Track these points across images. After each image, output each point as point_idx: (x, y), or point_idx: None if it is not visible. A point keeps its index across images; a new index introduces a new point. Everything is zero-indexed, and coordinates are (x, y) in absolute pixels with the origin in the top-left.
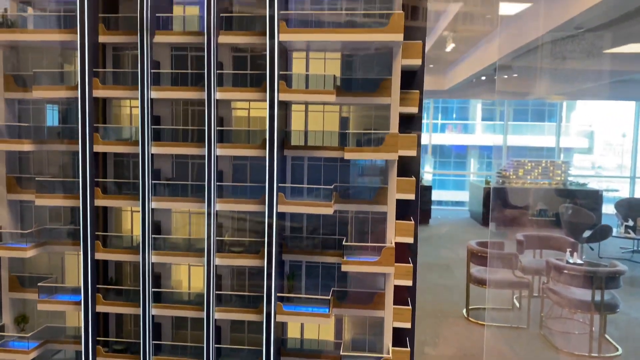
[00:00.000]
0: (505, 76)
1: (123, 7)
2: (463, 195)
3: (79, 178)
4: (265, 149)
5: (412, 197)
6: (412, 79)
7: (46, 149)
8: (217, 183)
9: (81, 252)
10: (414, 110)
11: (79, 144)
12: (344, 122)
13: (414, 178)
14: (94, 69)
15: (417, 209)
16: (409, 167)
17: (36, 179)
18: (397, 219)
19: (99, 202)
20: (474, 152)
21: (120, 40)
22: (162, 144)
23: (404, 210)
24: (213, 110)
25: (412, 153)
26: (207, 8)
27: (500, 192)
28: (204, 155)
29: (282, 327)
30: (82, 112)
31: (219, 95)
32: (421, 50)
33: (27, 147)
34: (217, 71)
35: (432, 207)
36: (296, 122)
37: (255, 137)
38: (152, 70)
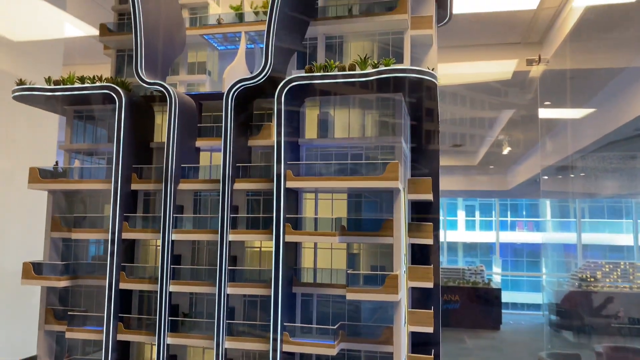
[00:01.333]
0: (572, 175)
1: (156, 157)
2: (537, 297)
3: (104, 313)
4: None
5: (430, 329)
6: (428, 208)
7: (80, 283)
8: (228, 320)
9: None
10: (428, 241)
11: (106, 280)
12: (352, 258)
13: (431, 311)
14: (125, 214)
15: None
16: (428, 295)
17: (69, 313)
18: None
19: (121, 337)
20: (546, 251)
21: (149, 187)
22: (179, 282)
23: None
24: (225, 251)
25: (428, 284)
26: (223, 159)
27: (577, 296)
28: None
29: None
30: (110, 253)
31: (231, 237)
32: (430, 185)
33: (63, 283)
34: (231, 215)
35: (504, 311)
36: (309, 258)
37: (266, 274)
38: (174, 215)
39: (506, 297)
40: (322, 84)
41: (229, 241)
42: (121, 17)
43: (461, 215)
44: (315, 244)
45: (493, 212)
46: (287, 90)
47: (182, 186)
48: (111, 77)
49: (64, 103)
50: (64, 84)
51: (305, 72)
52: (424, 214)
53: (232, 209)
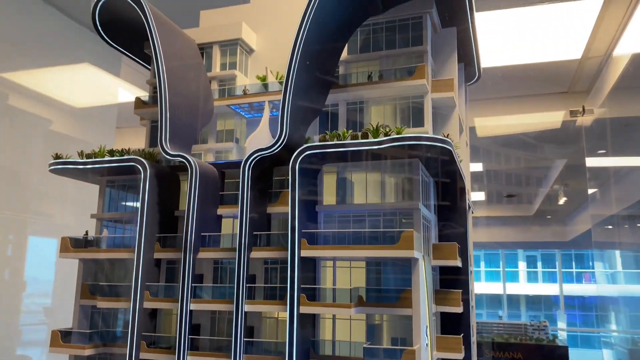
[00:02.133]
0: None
1: (181, 225)
2: (608, 355)
3: None
4: None
5: None
6: (456, 274)
7: (106, 351)
8: None
9: None
10: (457, 309)
11: (127, 350)
12: (372, 329)
13: None
14: (147, 283)
15: None
16: None
17: None
18: None
19: None
20: (617, 305)
21: (172, 256)
22: (196, 353)
23: None
24: (240, 322)
25: (457, 356)
26: (239, 227)
27: None
28: None
29: None
30: (132, 322)
31: (247, 307)
32: (456, 251)
33: (88, 351)
34: (248, 285)
35: None
36: (329, 328)
37: (283, 345)
38: (193, 284)
39: (574, 355)
40: (336, 152)
41: (245, 312)
42: (155, 90)
43: (522, 266)
44: (334, 314)
45: (556, 263)
46: (303, 157)
47: (202, 255)
48: (139, 149)
49: (96, 174)
50: (95, 157)
51: (320, 141)
52: (455, 274)
53: (248, 279)
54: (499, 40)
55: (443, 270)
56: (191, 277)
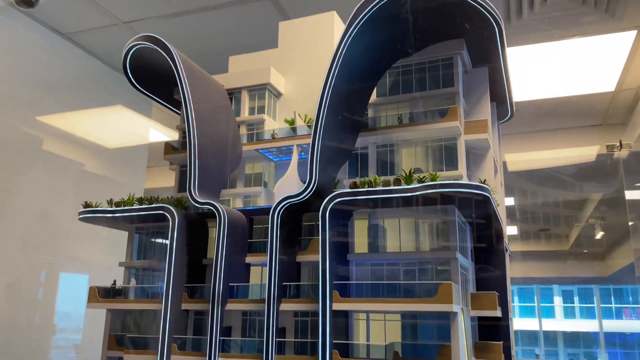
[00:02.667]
0: None
1: (209, 275)
2: None
3: None
4: None
5: None
6: (496, 321)
7: None
8: None
9: None
10: None
11: None
12: None
13: None
14: (175, 336)
15: None
16: None
17: None
18: None
19: None
20: None
21: (199, 307)
22: None
23: None
24: None
25: None
26: (268, 278)
27: None
28: None
29: None
30: None
31: None
32: (495, 300)
33: None
34: (277, 338)
35: None
36: None
37: None
38: (221, 338)
39: None
40: (366, 200)
41: None
42: (184, 135)
43: (558, 302)
44: None
45: (594, 298)
46: (333, 205)
47: (230, 306)
48: (167, 197)
49: (126, 222)
50: (124, 205)
51: (350, 187)
52: (495, 321)
53: (278, 332)
54: (530, 74)
55: (481, 318)
56: (219, 330)
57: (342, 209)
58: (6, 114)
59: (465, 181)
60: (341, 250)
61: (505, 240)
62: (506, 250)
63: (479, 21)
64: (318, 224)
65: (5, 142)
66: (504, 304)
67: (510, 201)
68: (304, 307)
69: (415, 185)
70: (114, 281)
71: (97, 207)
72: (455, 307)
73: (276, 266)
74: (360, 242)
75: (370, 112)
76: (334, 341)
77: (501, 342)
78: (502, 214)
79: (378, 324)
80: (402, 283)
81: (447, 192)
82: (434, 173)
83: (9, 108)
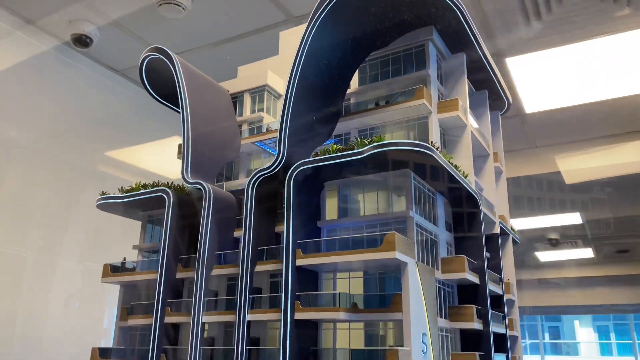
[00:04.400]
0: None
1: None
2: None
3: None
4: None
5: None
6: (474, 291)
7: None
8: None
9: None
10: (469, 325)
11: None
12: (370, 338)
13: None
14: (170, 300)
15: None
16: None
17: None
18: None
19: None
20: None
21: (190, 275)
22: None
23: None
24: (243, 332)
25: None
26: (243, 243)
27: None
28: None
29: None
30: (153, 337)
31: (250, 317)
32: (464, 263)
33: None
34: (250, 295)
35: None
36: (329, 339)
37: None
38: (205, 299)
39: None
40: (325, 166)
41: (248, 321)
42: None
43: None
44: (335, 324)
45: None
46: (297, 173)
47: (215, 272)
48: (167, 182)
49: (137, 209)
50: (132, 192)
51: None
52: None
53: (253, 291)
54: (574, 77)
55: (463, 289)
56: (204, 293)
57: (310, 182)
58: (69, 146)
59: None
60: (313, 220)
61: (508, 226)
62: (501, 235)
63: (441, 8)
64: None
65: (70, 175)
66: (482, 274)
67: (576, 218)
68: (276, 267)
69: (363, 148)
70: (124, 258)
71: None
72: (403, 257)
73: (250, 232)
74: (331, 212)
75: (352, 100)
76: (296, 293)
77: (473, 306)
78: (502, 199)
79: (344, 283)
80: (352, 237)
81: (389, 150)
82: (379, 136)
83: (71, 142)
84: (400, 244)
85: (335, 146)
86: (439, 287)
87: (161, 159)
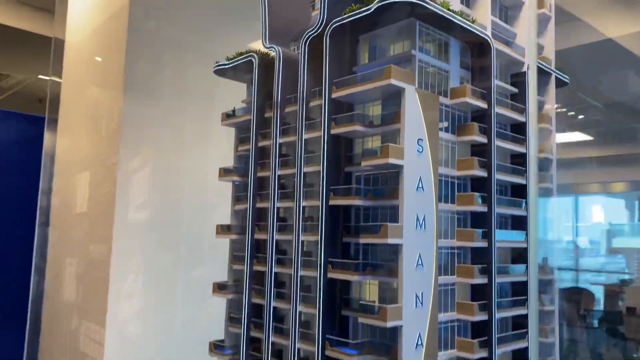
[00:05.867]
0: None
1: None
2: None
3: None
4: None
5: None
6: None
7: None
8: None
9: None
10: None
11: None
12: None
13: None
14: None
15: None
16: None
17: None
18: None
19: None
20: None
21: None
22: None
23: None
24: None
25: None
26: (299, 107)
27: None
28: None
29: None
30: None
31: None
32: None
33: (233, 237)
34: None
35: None
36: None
37: None
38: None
39: None
40: (351, 22)
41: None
42: None
43: None
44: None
45: None
46: (330, 32)
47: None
48: (257, 50)
49: (241, 73)
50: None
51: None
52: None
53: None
54: None
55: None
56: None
57: (344, 35)
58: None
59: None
60: (350, 65)
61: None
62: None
63: None
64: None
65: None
66: (489, 99)
67: None
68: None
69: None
70: (234, 107)
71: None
72: (399, 84)
73: (304, 86)
74: (363, 58)
75: None
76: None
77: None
78: (548, 42)
79: None
80: (364, 73)
81: (385, 4)
82: None
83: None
84: (396, 73)
85: (355, 6)
86: (450, 112)
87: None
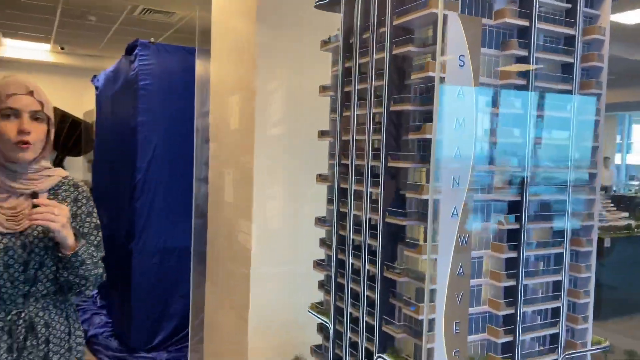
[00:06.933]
0: None
1: None
2: None
3: None
4: None
5: None
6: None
7: None
8: None
9: None
10: None
11: None
12: None
13: None
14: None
15: None
16: None
17: None
18: None
19: None
20: None
21: None
22: None
23: None
24: None
25: None
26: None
27: None
28: None
29: None
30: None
31: None
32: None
33: None
34: None
35: None
36: None
37: None
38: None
39: None
40: None
41: None
42: None
43: None
44: None
45: None
46: None
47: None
48: None
49: (337, 4)
50: None
51: None
52: None
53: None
54: None
55: None
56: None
57: None
58: None
59: None
60: None
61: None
62: None
63: None
64: None
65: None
66: None
67: None
68: None
69: None
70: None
71: None
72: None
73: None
74: None
75: None
76: None
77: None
78: None
79: None
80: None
81: None
82: None
83: None
84: (436, 2)
85: None
86: (495, 31)
87: None
